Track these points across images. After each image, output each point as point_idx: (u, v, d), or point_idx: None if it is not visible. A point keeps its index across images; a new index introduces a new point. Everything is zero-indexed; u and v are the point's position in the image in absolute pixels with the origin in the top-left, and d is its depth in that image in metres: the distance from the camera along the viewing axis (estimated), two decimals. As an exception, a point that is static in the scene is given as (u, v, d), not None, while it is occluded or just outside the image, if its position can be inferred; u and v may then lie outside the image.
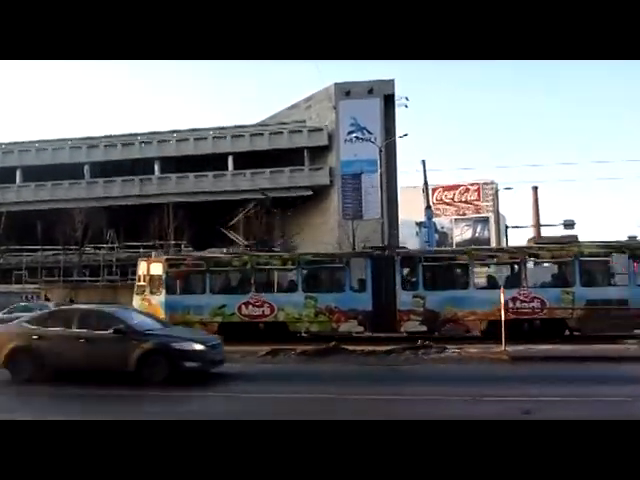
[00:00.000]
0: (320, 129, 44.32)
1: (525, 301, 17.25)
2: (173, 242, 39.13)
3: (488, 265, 19.31)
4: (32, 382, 10.50)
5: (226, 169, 45.18)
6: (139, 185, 45.34)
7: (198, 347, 10.78)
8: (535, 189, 47.84)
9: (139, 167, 45.05)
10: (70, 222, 39.39)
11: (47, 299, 34.34)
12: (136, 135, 47.42)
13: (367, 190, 40.05)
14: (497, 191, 53.26)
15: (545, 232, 40.70)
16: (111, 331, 10.58)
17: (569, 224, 44.00)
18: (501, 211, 59.84)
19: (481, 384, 10.34)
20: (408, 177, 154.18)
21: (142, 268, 20.12)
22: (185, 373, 10.59)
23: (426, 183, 40.77)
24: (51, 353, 10.67)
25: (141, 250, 39.28)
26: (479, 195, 64.26)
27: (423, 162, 40.53)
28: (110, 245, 43.72)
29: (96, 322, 11.13)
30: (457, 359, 13.49)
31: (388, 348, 14.60)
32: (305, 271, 19.15)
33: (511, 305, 16.93)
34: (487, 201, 62.89)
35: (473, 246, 26.59)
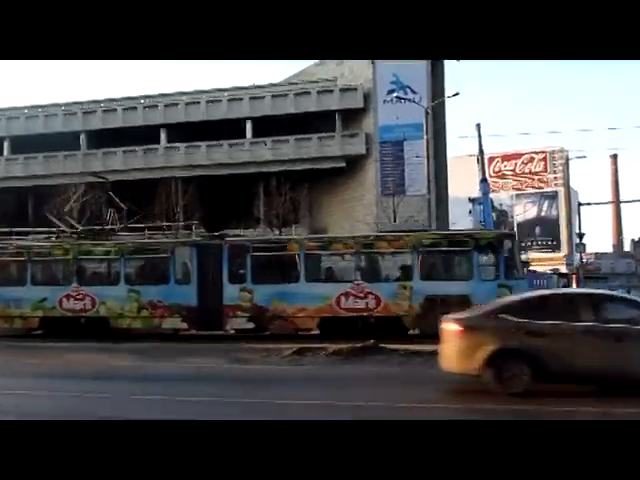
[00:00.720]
0: (354, 88, 43.96)
1: (359, 297, 17.82)
2: (182, 222, 39.64)
3: (322, 256, 19.52)
4: (526, 395, 9.10)
5: (244, 137, 45.37)
6: (143, 156, 45.84)
7: None
8: (614, 157, 46.81)
9: (143, 136, 45.54)
10: (65, 200, 40.18)
11: None
12: (139, 98, 47.94)
13: (410, 160, 39.75)
14: (568, 160, 52.10)
15: (627, 209, 40.01)
16: None
17: (656, 199, 42.97)
18: (572, 185, 58.87)
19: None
20: (459, 145, 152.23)
21: None
22: None
23: (481, 151, 40.14)
24: (557, 356, 9.23)
25: (146, 231, 39.86)
26: (546, 165, 63.08)
27: (478, 126, 39.87)
28: (111, 227, 44.49)
29: (615, 312, 9.90)
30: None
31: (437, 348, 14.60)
32: (128, 262, 20.17)
33: (344, 301, 17.74)
34: (555, 173, 61.84)
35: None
